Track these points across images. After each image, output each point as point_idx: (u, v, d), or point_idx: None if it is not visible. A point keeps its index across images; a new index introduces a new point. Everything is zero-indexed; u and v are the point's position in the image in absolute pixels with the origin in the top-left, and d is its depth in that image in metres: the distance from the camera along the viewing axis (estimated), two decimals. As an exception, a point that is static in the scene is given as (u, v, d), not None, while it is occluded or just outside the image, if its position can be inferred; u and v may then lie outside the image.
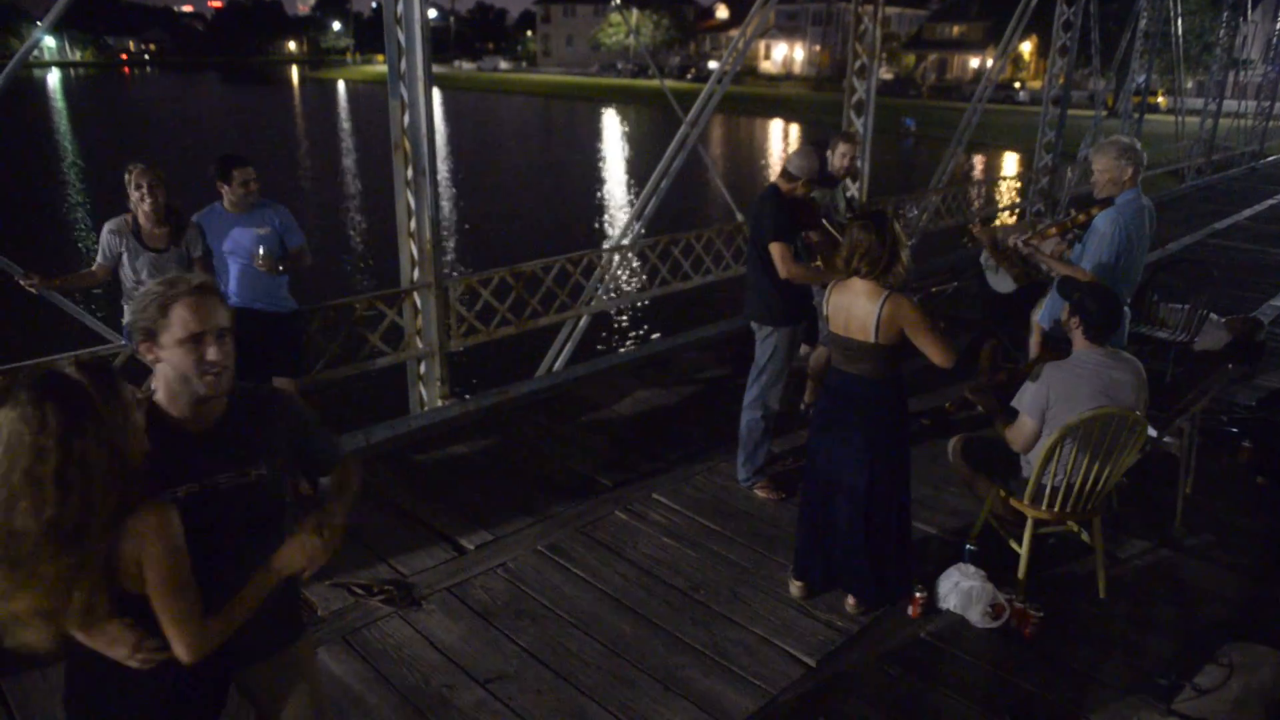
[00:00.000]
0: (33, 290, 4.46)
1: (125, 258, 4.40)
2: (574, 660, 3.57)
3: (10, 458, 1.63)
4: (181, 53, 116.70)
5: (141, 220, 4.39)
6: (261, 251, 4.54)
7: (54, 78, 79.96)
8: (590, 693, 3.39)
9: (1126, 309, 4.76)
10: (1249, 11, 21.50)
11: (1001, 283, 6.13)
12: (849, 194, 6.20)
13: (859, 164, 6.23)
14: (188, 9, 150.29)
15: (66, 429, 1.64)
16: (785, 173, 4.62)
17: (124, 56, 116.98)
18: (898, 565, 3.82)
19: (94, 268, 4.49)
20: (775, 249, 4.50)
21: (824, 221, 4.88)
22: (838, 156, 5.63)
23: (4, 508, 1.63)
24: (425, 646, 3.63)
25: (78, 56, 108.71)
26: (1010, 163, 31.17)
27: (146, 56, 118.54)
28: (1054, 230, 5.26)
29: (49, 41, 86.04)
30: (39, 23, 5.29)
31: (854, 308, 3.56)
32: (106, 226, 4.42)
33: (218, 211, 4.67)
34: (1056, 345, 4.33)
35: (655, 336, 9.06)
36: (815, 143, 5.62)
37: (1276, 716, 3.19)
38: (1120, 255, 4.39)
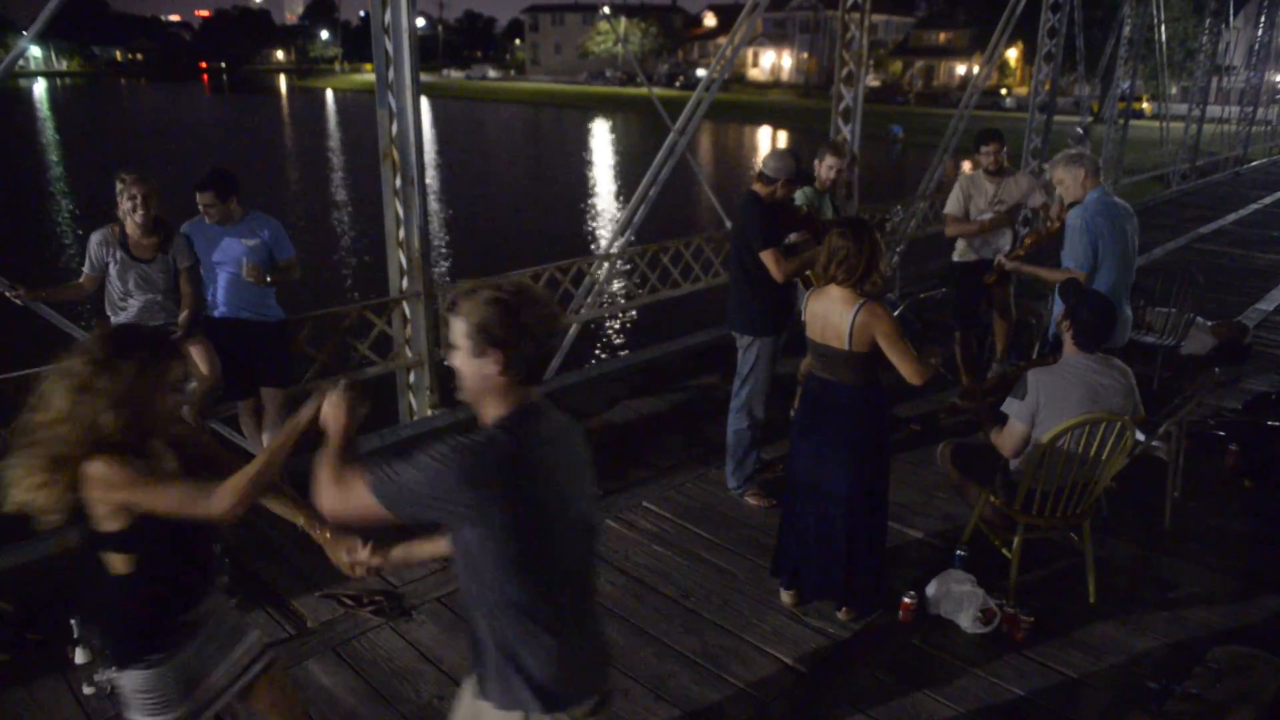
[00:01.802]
0: (18, 301, 4.43)
1: (112, 268, 4.37)
2: (565, 670, 3.55)
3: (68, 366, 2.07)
4: (169, 62, 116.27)
5: (130, 230, 4.36)
6: (247, 263, 4.52)
7: (40, 87, 79.63)
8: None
9: (1128, 311, 4.83)
10: (1231, 18, 21.68)
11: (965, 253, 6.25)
12: (849, 199, 6.26)
13: (847, 174, 6.25)
14: (175, 18, 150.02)
15: (94, 362, 2.05)
16: (762, 176, 4.58)
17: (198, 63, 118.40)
18: (875, 570, 3.84)
19: (81, 279, 4.46)
20: (767, 257, 4.49)
21: (809, 221, 4.89)
22: (824, 169, 5.61)
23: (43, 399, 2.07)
24: (416, 657, 3.61)
25: (64, 66, 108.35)
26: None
27: (137, 56, 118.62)
28: (1031, 240, 5.42)
29: (35, 51, 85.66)
30: (24, 32, 5.25)
31: (829, 315, 3.57)
32: (93, 237, 4.39)
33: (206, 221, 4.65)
34: (1059, 347, 4.36)
35: (645, 344, 9.05)
36: (832, 144, 5.65)
37: (1266, 719, 3.20)
38: (1095, 245, 4.57)
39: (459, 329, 1.87)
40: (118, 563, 2.17)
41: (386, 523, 1.85)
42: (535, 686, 1.94)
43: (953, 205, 6.17)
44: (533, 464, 1.86)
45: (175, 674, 2.25)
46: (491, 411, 1.91)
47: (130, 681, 2.24)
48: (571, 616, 2.00)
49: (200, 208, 4.56)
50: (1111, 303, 3.99)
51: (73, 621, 3.50)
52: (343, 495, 1.88)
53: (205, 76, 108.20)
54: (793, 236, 4.81)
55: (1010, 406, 3.87)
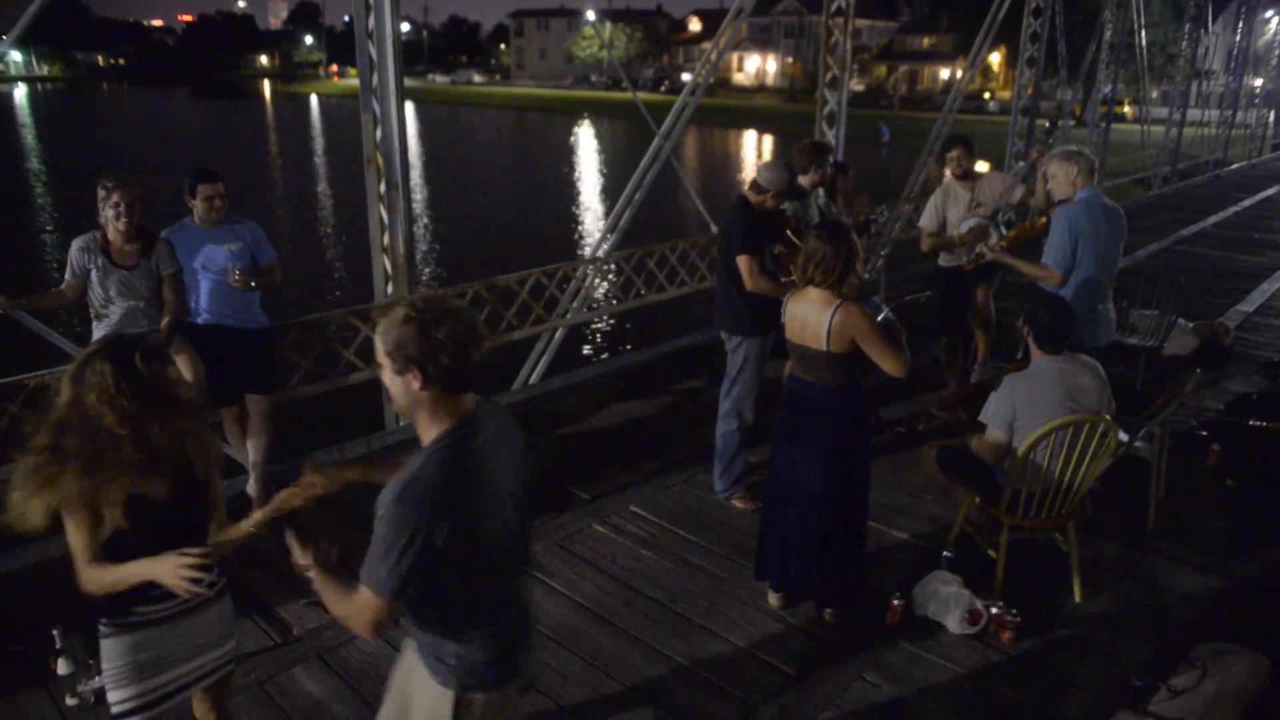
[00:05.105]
0: (-1, 309, 4.39)
1: (94, 275, 4.33)
2: (553, 674, 3.54)
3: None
4: (152, 68, 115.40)
5: (112, 237, 4.33)
6: (234, 267, 4.50)
7: (20, 92, 78.99)
8: (569, 706, 3.37)
9: (1111, 312, 4.87)
10: (1210, 23, 21.88)
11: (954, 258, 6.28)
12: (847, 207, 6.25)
13: (829, 173, 6.21)
14: (157, 23, 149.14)
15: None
16: (754, 184, 4.64)
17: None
18: (854, 569, 3.86)
19: (63, 286, 4.41)
20: (742, 262, 4.53)
21: (790, 234, 4.90)
22: (809, 180, 5.54)
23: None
24: (403, 664, 3.59)
25: (45, 71, 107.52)
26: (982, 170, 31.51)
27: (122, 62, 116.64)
28: (1015, 233, 5.48)
29: (15, 56, 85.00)
30: (3, 37, 5.19)
31: (808, 316, 3.59)
32: (75, 244, 4.34)
33: (188, 227, 4.62)
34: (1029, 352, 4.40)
35: (631, 348, 9.07)
36: (817, 146, 5.63)
37: (1248, 715, 3.22)
38: (1075, 246, 4.57)
39: (379, 348, 1.92)
40: None
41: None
42: (487, 664, 2.08)
43: (926, 219, 6.18)
44: (464, 481, 1.92)
45: (126, 652, 2.37)
46: (424, 428, 1.96)
47: (101, 647, 2.40)
48: (495, 604, 2.09)
49: (203, 201, 4.52)
50: (1067, 303, 4.03)
51: (55, 632, 3.47)
52: (359, 610, 1.93)
53: (338, 77, 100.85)
54: (779, 247, 4.82)
55: (987, 414, 3.90)
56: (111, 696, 2.41)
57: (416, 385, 1.88)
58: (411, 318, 1.85)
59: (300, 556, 2.02)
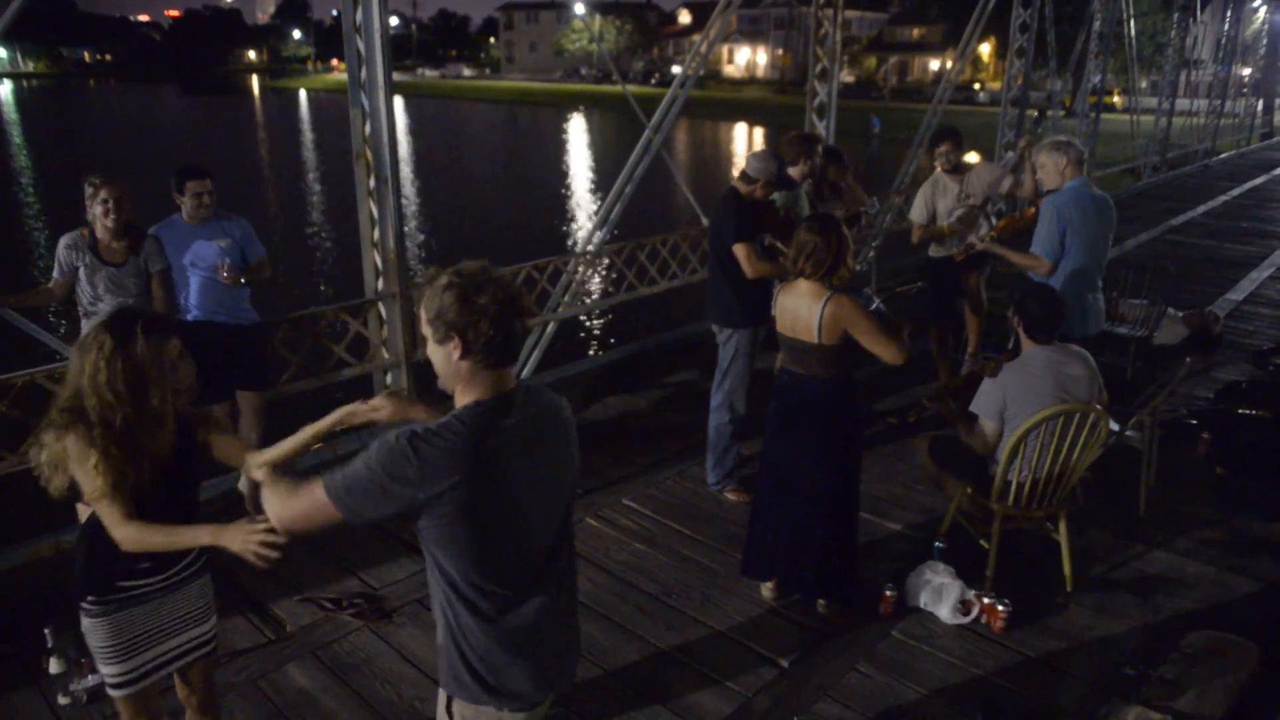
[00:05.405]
0: (-14, 308, 4.36)
1: (82, 273, 4.31)
2: (547, 669, 3.54)
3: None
4: (139, 64, 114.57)
5: (100, 234, 4.30)
6: (224, 264, 4.48)
7: (6, 89, 78.43)
8: (562, 700, 3.37)
9: (1100, 302, 4.90)
10: (1198, 13, 21.96)
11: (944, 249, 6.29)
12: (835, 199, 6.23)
13: (818, 164, 6.18)
14: (144, 19, 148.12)
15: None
16: (744, 175, 4.64)
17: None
18: (848, 561, 3.87)
19: (50, 284, 4.39)
20: (739, 250, 4.53)
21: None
22: (798, 171, 5.55)
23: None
24: (396, 659, 3.59)
25: (31, 68, 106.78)
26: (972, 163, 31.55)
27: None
28: (1004, 223, 5.51)
29: (0, 52, 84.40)
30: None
31: (799, 309, 3.59)
32: (62, 241, 4.32)
33: (177, 224, 4.60)
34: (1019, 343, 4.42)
35: (623, 342, 9.06)
36: (806, 138, 5.63)
37: (1239, 702, 3.25)
38: (1063, 234, 4.60)
39: (422, 318, 1.88)
40: (82, 510, 2.37)
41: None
42: (473, 673, 1.95)
43: (917, 212, 6.21)
44: (493, 452, 1.83)
45: (112, 632, 2.41)
46: (463, 398, 1.90)
47: (84, 626, 2.44)
48: (529, 604, 1.97)
49: (191, 197, 4.49)
50: (1056, 293, 4.05)
51: (46, 631, 3.46)
52: (293, 500, 1.87)
53: (338, 70, 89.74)
54: (767, 240, 4.82)
55: (978, 405, 3.91)
56: (103, 670, 2.47)
57: (457, 355, 1.83)
58: (453, 284, 1.81)
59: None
